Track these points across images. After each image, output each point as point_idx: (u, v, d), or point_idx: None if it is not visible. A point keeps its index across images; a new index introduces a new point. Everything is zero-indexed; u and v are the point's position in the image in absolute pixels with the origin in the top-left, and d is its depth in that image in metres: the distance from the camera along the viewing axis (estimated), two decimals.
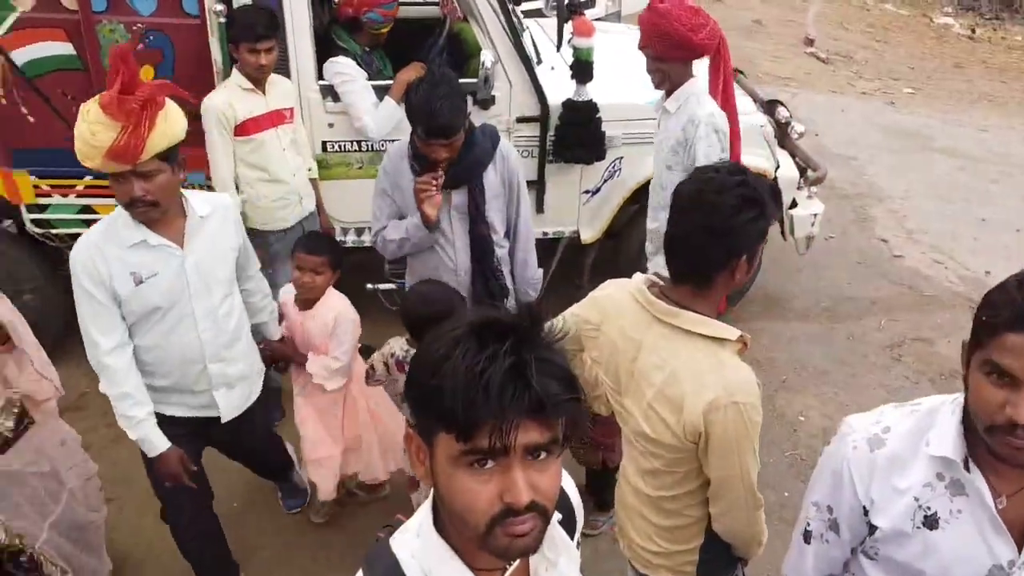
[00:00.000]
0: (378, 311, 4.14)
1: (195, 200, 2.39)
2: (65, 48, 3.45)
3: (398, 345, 2.79)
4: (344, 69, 3.67)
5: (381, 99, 3.72)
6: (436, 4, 4.60)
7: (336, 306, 2.99)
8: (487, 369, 0.97)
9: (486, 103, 3.78)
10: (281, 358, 3.06)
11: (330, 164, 3.87)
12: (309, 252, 2.91)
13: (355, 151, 3.86)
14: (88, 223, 3.76)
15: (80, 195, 3.74)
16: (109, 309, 2.31)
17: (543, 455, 1.02)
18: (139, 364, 2.43)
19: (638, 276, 1.94)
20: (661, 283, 1.88)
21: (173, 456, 2.49)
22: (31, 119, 3.54)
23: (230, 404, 2.63)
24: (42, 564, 2.55)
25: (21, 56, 3.43)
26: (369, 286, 4.13)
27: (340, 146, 3.84)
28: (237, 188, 3.45)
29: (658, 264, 3.14)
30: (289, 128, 3.54)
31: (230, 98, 3.31)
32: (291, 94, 3.58)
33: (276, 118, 3.45)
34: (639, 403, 1.84)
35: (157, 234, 2.29)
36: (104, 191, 3.71)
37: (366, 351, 4.28)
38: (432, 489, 1.14)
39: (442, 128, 2.61)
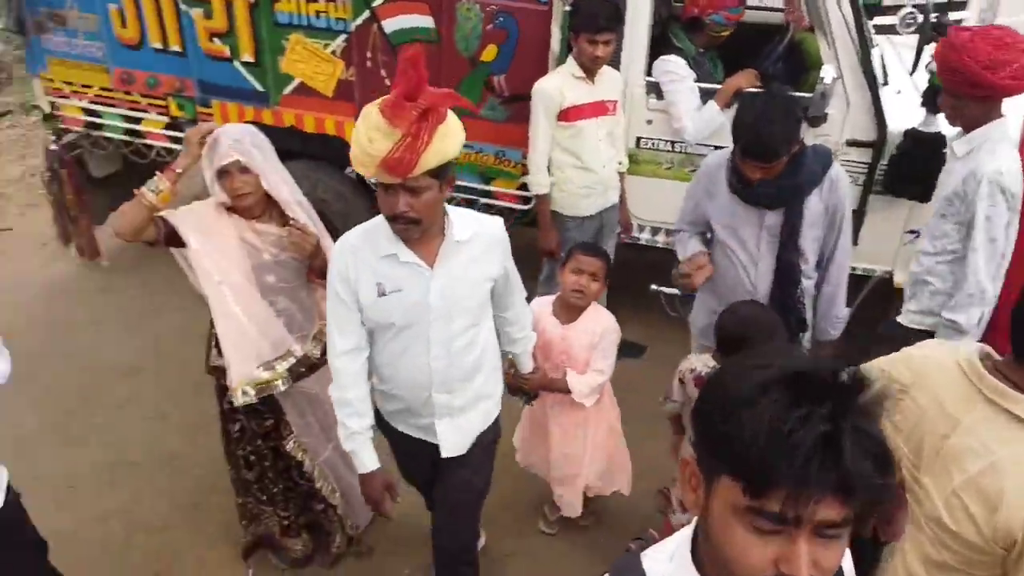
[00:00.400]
0: (657, 314, 4.11)
1: (458, 222, 2.18)
2: (426, 21, 3.78)
3: (700, 361, 2.66)
4: (674, 68, 3.63)
5: (705, 102, 3.64)
6: (780, 11, 4.38)
7: (604, 319, 2.86)
8: (796, 431, 0.87)
9: (817, 120, 3.53)
10: (532, 390, 2.84)
11: (640, 160, 3.87)
12: (590, 254, 2.80)
13: (667, 151, 3.82)
14: None
15: None
16: (350, 311, 2.19)
17: (833, 532, 0.92)
18: (377, 374, 2.36)
19: (971, 343, 1.69)
20: (998, 356, 1.62)
21: (377, 480, 2.34)
22: (387, 82, 3.94)
23: (452, 439, 2.40)
24: (316, 478, 2.87)
25: (390, 25, 3.83)
26: (653, 287, 4.09)
27: (654, 144, 3.83)
28: (549, 170, 3.58)
29: (909, 312, 2.80)
30: (610, 120, 3.59)
31: (561, 84, 3.42)
32: (618, 86, 3.63)
33: (599, 108, 3.52)
34: (941, 487, 1.61)
35: (410, 250, 2.12)
36: None
37: (635, 351, 4.28)
38: (696, 518, 1.08)
39: (762, 153, 2.49)
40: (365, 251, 2.15)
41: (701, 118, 3.62)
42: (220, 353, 2.62)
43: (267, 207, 2.59)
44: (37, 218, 5.66)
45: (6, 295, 4.80)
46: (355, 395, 2.27)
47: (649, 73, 3.72)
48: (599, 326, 2.83)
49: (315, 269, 2.66)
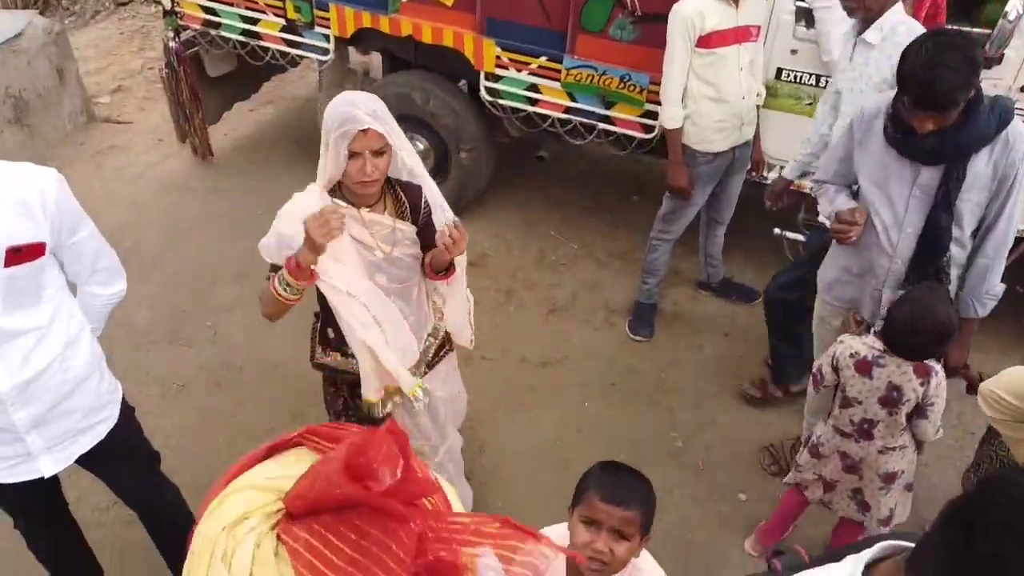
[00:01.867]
0: (774, 257, 3.89)
1: None
2: None
3: (864, 345, 2.38)
4: None
5: None
6: None
7: None
8: None
9: (990, 62, 3.13)
10: None
11: (778, 93, 3.55)
12: (613, 502, 1.62)
13: (810, 85, 3.48)
14: (532, 101, 3.97)
15: (531, 73, 3.89)
16: None
17: None
18: None
19: None
20: None
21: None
22: None
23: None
24: None
25: None
26: (777, 231, 3.84)
27: (796, 77, 3.49)
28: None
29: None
30: (752, 47, 3.28)
31: (702, 7, 3.11)
32: (761, 11, 3.29)
33: (742, 34, 3.20)
34: None
35: None
36: (552, 73, 3.83)
37: (748, 295, 4.04)
38: None
39: (936, 103, 2.19)
40: None
41: None
42: (325, 350, 2.36)
43: (380, 191, 2.18)
44: (154, 112, 5.74)
45: (125, 188, 4.92)
46: None
47: None
48: None
49: (435, 264, 2.26)
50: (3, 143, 4.94)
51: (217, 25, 4.44)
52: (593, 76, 3.76)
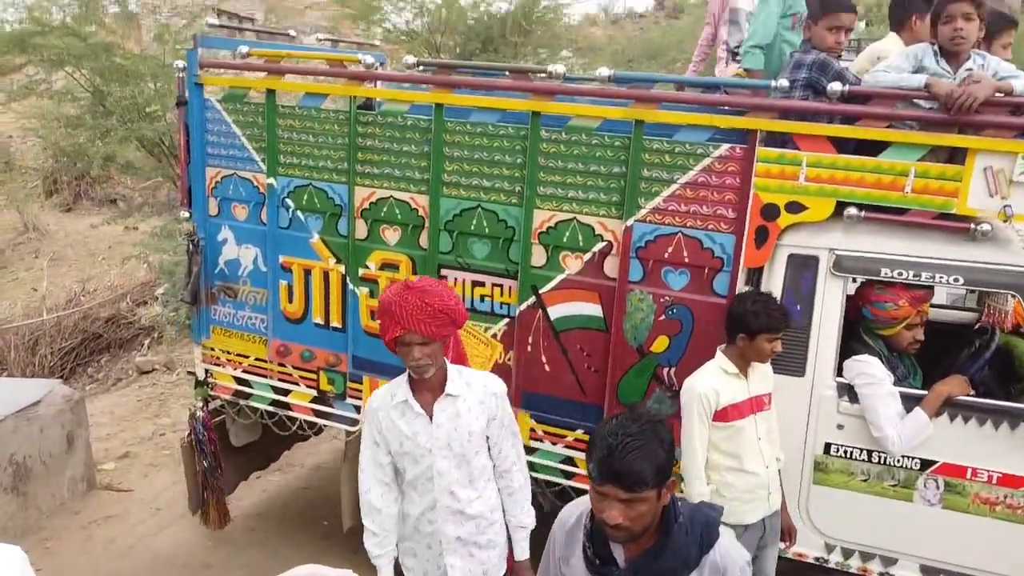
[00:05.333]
0: None
1: None
2: (594, 309, 3.64)
3: None
4: (870, 370, 3.29)
5: (908, 409, 3.24)
6: (973, 311, 4.08)
7: None
8: None
9: None
10: None
11: (829, 469, 3.41)
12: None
13: (862, 460, 3.36)
14: (568, 475, 3.81)
15: (566, 445, 3.80)
16: None
17: None
18: None
19: None
20: None
21: None
22: (547, 368, 3.76)
23: None
24: None
25: (556, 311, 3.71)
26: None
27: (846, 452, 3.39)
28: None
29: None
30: (766, 415, 3.25)
31: (714, 382, 3.14)
32: (770, 379, 3.28)
33: (756, 404, 3.20)
34: None
35: None
36: (583, 447, 3.73)
37: None
38: None
39: (617, 474, 1.91)
40: None
41: (906, 427, 3.20)
42: None
43: None
44: (157, 480, 5.54)
45: (111, 563, 4.54)
46: None
47: (839, 373, 3.39)
48: None
49: None
50: None
51: (248, 395, 4.44)
52: None
